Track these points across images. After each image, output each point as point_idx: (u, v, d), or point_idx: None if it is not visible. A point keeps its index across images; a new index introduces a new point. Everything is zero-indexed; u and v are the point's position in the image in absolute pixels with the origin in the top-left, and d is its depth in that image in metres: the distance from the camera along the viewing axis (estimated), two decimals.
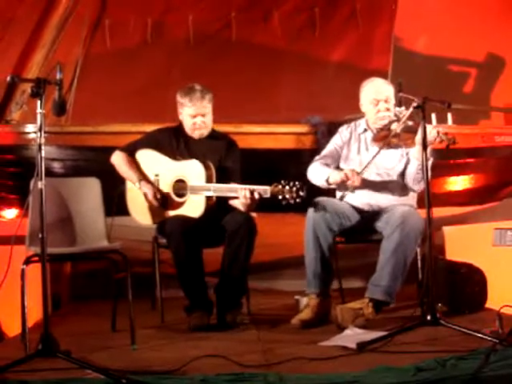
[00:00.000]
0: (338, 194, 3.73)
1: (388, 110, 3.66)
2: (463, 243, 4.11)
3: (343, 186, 3.61)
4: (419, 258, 3.62)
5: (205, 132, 3.72)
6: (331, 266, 3.61)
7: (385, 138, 3.56)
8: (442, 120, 4.79)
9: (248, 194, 3.46)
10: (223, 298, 3.59)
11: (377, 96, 3.69)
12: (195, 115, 3.68)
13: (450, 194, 5.06)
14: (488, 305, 3.77)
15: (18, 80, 3.44)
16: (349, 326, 3.33)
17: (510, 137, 5.09)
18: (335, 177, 3.62)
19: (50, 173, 4.52)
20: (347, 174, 3.56)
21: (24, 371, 2.64)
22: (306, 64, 6.16)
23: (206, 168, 3.61)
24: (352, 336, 3.18)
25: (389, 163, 3.70)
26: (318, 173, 3.70)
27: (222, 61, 6.06)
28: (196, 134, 3.72)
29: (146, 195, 3.63)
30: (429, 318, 2.99)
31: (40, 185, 2.74)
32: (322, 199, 3.61)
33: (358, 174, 3.56)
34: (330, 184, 3.66)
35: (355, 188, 3.59)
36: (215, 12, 6.25)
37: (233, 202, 3.60)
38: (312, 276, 3.57)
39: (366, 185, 3.65)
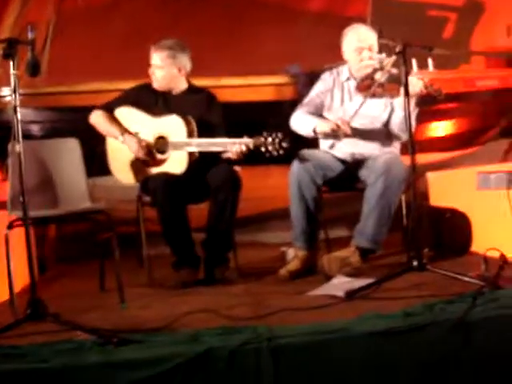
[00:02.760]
0: (323, 142, 3.70)
1: (371, 58, 3.59)
2: (447, 188, 4.11)
3: (331, 135, 3.56)
4: (404, 204, 3.62)
5: (155, 84, 3.67)
6: (317, 219, 3.61)
7: (369, 87, 3.51)
8: (422, 65, 4.75)
9: (244, 149, 3.38)
10: (211, 252, 3.59)
11: (360, 44, 3.62)
12: (151, 66, 3.66)
13: (432, 139, 5.06)
14: (473, 249, 3.80)
15: None
16: (336, 275, 3.35)
17: (490, 81, 5.07)
18: (324, 127, 3.55)
19: (28, 136, 4.45)
20: (337, 123, 3.51)
21: (14, 336, 2.64)
22: (284, 14, 6.05)
23: (187, 123, 3.56)
24: (340, 284, 3.20)
25: (372, 112, 3.65)
26: (303, 122, 3.64)
27: (199, 12, 5.93)
28: (155, 85, 3.68)
29: (130, 148, 3.58)
30: (415, 263, 3.01)
31: (18, 148, 2.70)
32: (304, 152, 3.58)
33: (348, 122, 3.50)
34: (316, 134, 3.61)
35: (345, 136, 3.54)
36: None
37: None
38: (299, 231, 3.56)
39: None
